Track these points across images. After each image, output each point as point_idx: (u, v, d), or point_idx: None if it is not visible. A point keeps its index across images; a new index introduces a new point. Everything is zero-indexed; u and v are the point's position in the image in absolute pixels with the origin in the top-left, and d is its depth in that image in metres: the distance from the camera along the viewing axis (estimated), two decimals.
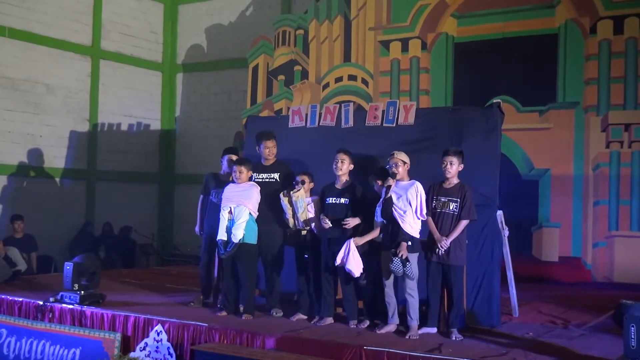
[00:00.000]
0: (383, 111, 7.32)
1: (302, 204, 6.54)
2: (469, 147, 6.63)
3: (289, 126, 7.72)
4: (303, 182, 6.61)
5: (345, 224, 6.32)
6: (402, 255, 5.84)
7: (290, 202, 6.62)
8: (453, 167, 6.10)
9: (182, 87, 14.53)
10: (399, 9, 11.33)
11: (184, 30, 14.51)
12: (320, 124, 7.58)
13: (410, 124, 7.14)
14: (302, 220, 6.58)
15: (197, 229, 7.58)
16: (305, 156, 7.22)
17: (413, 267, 5.92)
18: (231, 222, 6.68)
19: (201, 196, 7.54)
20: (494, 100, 7.22)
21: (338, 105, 7.71)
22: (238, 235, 6.61)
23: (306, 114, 7.70)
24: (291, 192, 6.56)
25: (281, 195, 6.66)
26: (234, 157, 7.33)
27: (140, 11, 13.99)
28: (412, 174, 6.28)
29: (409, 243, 5.92)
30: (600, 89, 9.81)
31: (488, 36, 10.62)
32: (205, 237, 7.39)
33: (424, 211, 6.02)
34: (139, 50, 13.98)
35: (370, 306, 6.45)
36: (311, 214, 6.60)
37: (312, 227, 6.61)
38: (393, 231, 6.02)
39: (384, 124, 7.27)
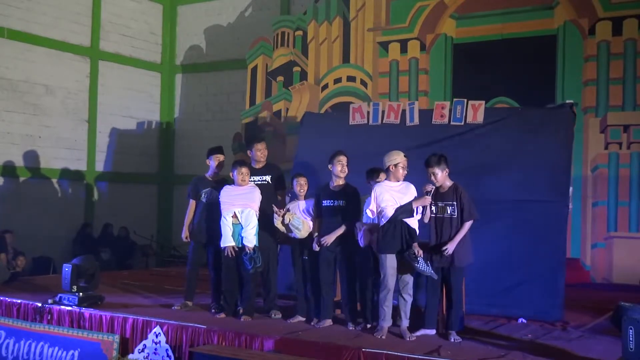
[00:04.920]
0: (450, 110, 7.41)
1: (298, 222, 6.52)
2: (539, 147, 6.79)
3: (350, 123, 7.78)
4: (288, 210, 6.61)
5: (323, 242, 6.34)
6: (421, 254, 5.83)
7: (284, 224, 6.61)
8: (437, 177, 6.00)
9: (181, 88, 14.54)
10: (398, 10, 11.34)
11: (183, 31, 14.52)
12: (384, 122, 7.65)
13: (479, 123, 7.20)
14: (303, 237, 6.56)
15: (183, 235, 7.37)
16: (367, 155, 6.98)
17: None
18: (237, 226, 6.63)
19: (190, 201, 7.34)
20: (567, 101, 7.32)
21: (401, 103, 7.79)
22: (253, 240, 6.55)
23: (368, 112, 7.77)
24: (284, 216, 6.54)
25: (275, 216, 6.64)
26: (221, 157, 7.28)
27: (139, 12, 14.00)
28: (480, 174, 6.53)
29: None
30: (599, 90, 9.82)
31: (487, 37, 10.63)
32: (194, 239, 7.28)
33: (420, 209, 6.00)
34: (138, 51, 13.98)
35: (368, 308, 6.45)
36: (311, 224, 6.57)
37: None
38: (395, 233, 5.96)
39: (452, 122, 7.34)
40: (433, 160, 6.00)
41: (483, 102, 7.56)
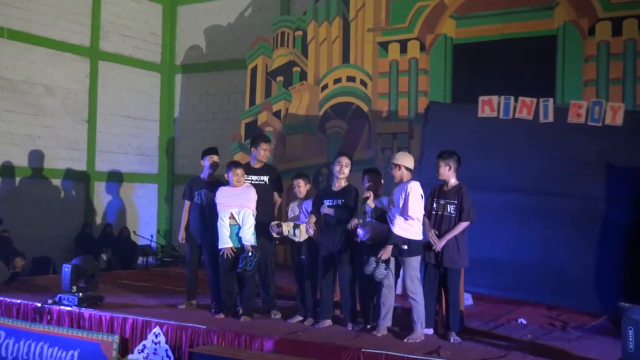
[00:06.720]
0: (587, 109, 7.45)
1: (297, 232, 6.52)
2: None
3: (479, 115, 7.83)
4: (280, 225, 6.59)
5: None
6: (380, 257, 5.79)
7: (281, 234, 6.61)
8: (440, 170, 6.08)
9: (181, 88, 14.54)
10: (398, 10, 11.33)
11: (182, 31, 14.53)
12: (515, 116, 7.69)
13: (618, 125, 7.20)
14: (302, 239, 6.57)
15: (180, 237, 7.44)
16: (496, 149, 7.01)
17: (386, 271, 5.84)
18: (235, 227, 6.62)
19: (186, 202, 7.39)
20: None
21: (536, 99, 7.80)
22: (251, 239, 6.56)
23: (498, 104, 7.80)
24: (280, 228, 6.55)
25: (271, 230, 6.63)
26: (216, 158, 7.30)
27: (139, 12, 14.00)
28: (613, 179, 6.72)
29: (405, 247, 5.84)
30: (599, 90, 9.77)
31: (487, 37, 10.61)
32: (190, 240, 7.34)
33: (410, 211, 5.76)
34: (138, 51, 13.99)
35: (367, 308, 6.45)
36: (310, 230, 6.51)
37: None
38: (384, 233, 5.97)
39: (589, 123, 7.35)
40: (443, 155, 6.09)
41: (622, 104, 7.53)
